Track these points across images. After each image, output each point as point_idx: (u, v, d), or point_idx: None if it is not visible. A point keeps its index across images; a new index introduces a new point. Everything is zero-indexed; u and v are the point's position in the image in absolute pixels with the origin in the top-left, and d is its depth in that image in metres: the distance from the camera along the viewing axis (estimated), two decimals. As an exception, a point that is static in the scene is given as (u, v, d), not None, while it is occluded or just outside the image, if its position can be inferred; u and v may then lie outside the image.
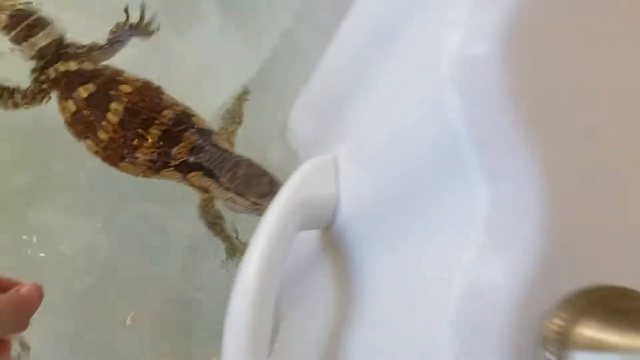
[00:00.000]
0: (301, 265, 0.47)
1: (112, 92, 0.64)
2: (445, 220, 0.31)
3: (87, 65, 0.67)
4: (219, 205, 0.67)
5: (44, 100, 0.69)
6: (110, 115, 0.64)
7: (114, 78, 0.66)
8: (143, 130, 0.63)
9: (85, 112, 0.64)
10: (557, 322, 0.26)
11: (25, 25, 0.68)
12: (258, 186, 0.60)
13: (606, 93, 0.29)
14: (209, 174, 0.64)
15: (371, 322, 0.37)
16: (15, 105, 0.69)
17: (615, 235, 0.29)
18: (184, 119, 0.65)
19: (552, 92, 0.28)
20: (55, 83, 0.67)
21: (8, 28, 0.68)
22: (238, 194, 0.61)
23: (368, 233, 0.39)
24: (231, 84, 0.75)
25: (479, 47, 0.29)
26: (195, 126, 0.65)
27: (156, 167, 0.65)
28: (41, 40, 0.68)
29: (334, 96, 0.49)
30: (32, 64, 0.68)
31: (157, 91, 0.67)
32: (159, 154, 0.64)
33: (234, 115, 0.72)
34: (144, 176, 0.67)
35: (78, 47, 0.69)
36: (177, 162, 0.64)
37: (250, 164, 0.62)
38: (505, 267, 0.27)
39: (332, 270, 0.42)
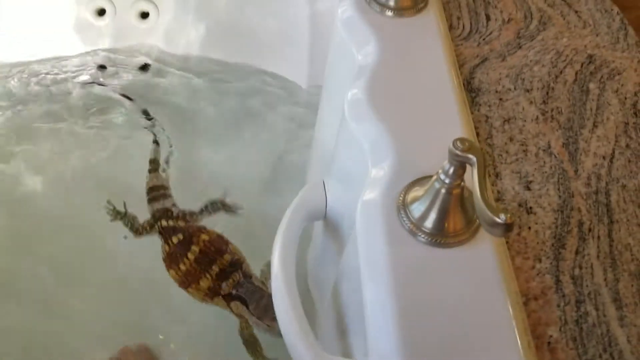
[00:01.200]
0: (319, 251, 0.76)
1: (194, 239, 0.97)
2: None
3: (181, 223, 1.02)
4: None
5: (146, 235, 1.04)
6: (189, 254, 0.95)
7: (200, 230, 0.99)
8: (208, 267, 0.94)
9: (175, 251, 0.97)
10: (401, 197, 0.54)
11: (153, 195, 1.06)
12: (272, 312, 0.79)
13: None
14: (244, 302, 0.90)
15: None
16: (137, 232, 1.05)
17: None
18: (236, 263, 0.94)
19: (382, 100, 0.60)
20: (159, 231, 1.02)
21: (147, 192, 1.07)
22: (258, 318, 0.89)
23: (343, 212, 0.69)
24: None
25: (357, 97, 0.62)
26: (242, 269, 0.94)
27: (211, 294, 0.94)
28: (160, 205, 1.05)
29: (323, 157, 0.82)
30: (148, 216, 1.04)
31: (225, 242, 0.98)
32: (214, 285, 0.93)
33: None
34: (202, 301, 0.94)
35: (179, 213, 1.04)
36: (225, 293, 0.93)
37: (270, 296, 0.87)
38: (379, 185, 0.56)
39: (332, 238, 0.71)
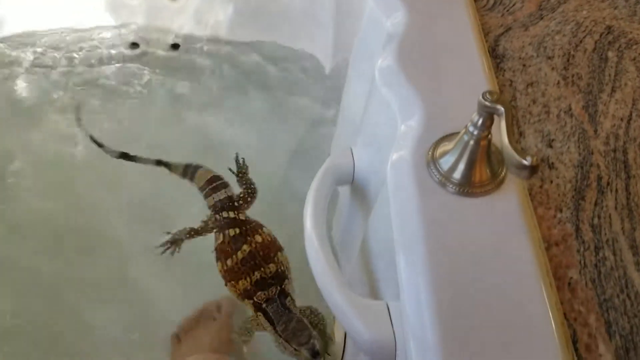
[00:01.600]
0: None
1: (248, 238, 0.91)
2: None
3: (242, 216, 0.98)
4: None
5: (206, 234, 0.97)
6: (239, 253, 0.90)
7: (256, 229, 0.93)
8: (251, 271, 0.88)
9: (227, 245, 0.92)
10: (430, 152, 0.58)
11: (213, 186, 1.00)
12: (300, 337, 0.83)
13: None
14: (270, 320, 0.87)
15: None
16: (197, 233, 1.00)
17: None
18: (279, 277, 0.89)
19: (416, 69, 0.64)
20: (218, 223, 0.96)
21: (202, 188, 1.02)
22: (285, 340, 0.84)
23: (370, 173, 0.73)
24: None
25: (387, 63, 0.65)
26: (282, 286, 0.89)
27: (244, 295, 0.91)
28: (222, 194, 0.99)
29: (351, 124, 0.86)
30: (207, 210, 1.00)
31: (277, 248, 0.92)
32: (250, 289, 0.88)
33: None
34: (237, 298, 0.91)
35: (238, 200, 1.00)
36: (255, 301, 0.88)
37: (299, 320, 0.85)
38: (409, 142, 0.60)
39: (359, 201, 0.75)
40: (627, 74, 0.69)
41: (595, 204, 0.58)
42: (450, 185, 0.56)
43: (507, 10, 0.75)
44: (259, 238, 0.92)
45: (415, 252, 0.53)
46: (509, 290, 0.51)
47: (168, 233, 0.98)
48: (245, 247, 0.90)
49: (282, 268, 0.90)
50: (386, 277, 0.62)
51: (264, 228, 0.95)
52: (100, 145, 1.05)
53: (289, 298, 0.89)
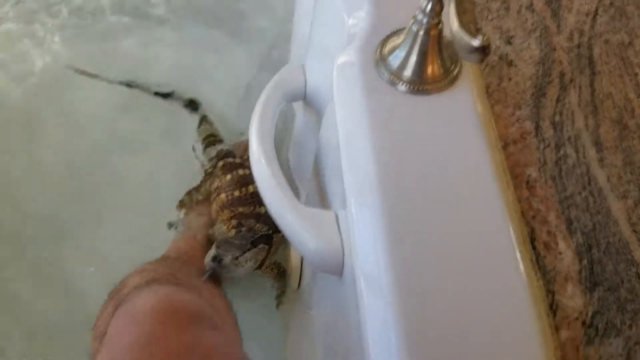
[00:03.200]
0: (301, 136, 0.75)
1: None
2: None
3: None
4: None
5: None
6: (251, 187, 0.92)
7: None
8: (258, 204, 0.90)
9: (236, 181, 0.94)
10: (377, 50, 0.53)
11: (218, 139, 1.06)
12: (228, 248, 0.81)
13: None
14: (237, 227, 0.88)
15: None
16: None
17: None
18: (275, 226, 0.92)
19: None
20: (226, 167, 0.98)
21: (206, 138, 1.07)
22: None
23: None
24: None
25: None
26: (274, 232, 0.88)
27: (239, 217, 0.91)
28: (221, 146, 1.04)
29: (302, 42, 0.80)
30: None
31: None
32: (247, 214, 0.90)
33: None
34: (223, 222, 0.91)
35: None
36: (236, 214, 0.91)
37: (246, 245, 0.83)
38: (355, 42, 0.55)
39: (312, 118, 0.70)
40: (593, -31, 0.64)
41: (557, 101, 0.54)
42: (401, 84, 0.51)
43: None
44: None
45: (362, 156, 0.49)
46: (462, 190, 0.47)
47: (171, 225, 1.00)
48: (254, 186, 0.88)
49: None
50: (334, 186, 0.58)
51: None
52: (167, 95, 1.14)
53: (268, 245, 0.86)
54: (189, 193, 1.01)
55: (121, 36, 1.21)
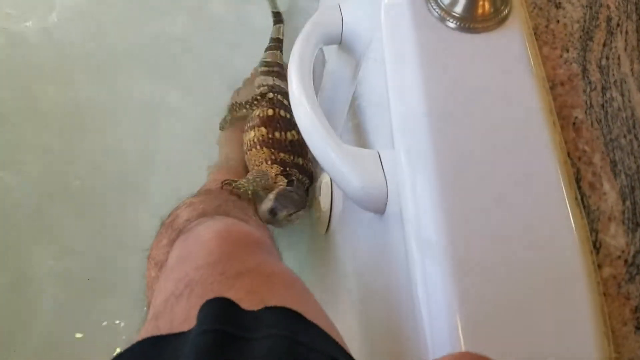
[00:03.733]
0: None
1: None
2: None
3: None
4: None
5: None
6: (292, 132, 0.89)
7: None
8: (296, 154, 0.87)
9: (278, 120, 0.90)
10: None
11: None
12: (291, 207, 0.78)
13: None
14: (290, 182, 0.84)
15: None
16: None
17: None
18: (311, 177, 0.89)
19: None
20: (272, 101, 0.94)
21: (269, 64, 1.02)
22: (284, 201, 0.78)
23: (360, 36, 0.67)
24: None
25: None
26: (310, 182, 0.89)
27: (275, 161, 0.87)
28: (280, 82, 0.99)
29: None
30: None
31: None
32: (289, 162, 0.86)
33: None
34: (257, 164, 0.88)
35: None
36: (286, 170, 0.86)
37: (303, 197, 0.83)
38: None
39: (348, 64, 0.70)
40: None
41: (604, 45, 0.53)
42: (451, 20, 0.50)
43: None
44: None
45: (411, 94, 0.49)
46: (510, 129, 0.47)
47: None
48: (295, 132, 0.89)
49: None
50: (377, 126, 0.58)
51: None
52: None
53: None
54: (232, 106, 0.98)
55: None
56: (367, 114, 0.62)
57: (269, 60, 1.03)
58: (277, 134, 0.89)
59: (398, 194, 0.49)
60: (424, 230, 0.43)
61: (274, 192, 0.78)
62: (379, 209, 0.52)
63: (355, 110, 0.66)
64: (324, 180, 0.83)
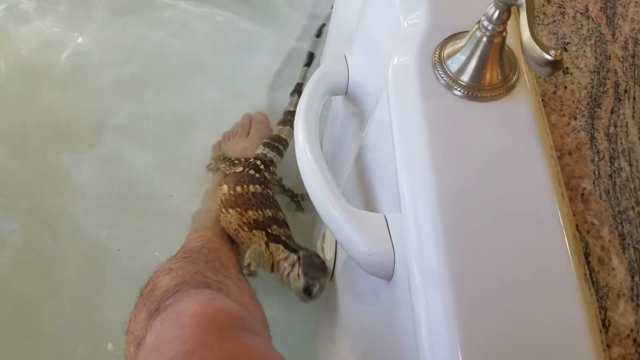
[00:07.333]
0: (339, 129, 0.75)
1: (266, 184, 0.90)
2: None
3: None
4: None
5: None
6: (251, 187, 0.87)
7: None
8: (263, 206, 0.85)
9: (241, 177, 0.88)
10: (437, 52, 0.52)
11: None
12: (315, 272, 0.77)
13: None
14: (291, 249, 0.81)
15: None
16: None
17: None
18: (286, 224, 0.87)
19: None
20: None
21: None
22: (304, 273, 0.76)
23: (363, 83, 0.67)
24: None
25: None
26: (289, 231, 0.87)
27: (252, 227, 0.84)
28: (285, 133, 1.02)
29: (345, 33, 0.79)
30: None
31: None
32: (263, 221, 0.84)
33: None
34: (232, 229, 0.85)
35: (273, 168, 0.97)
36: (269, 232, 0.84)
37: (317, 255, 0.80)
38: (412, 41, 0.54)
39: (354, 115, 0.70)
40: (648, -26, 0.63)
41: (612, 112, 0.53)
42: (458, 88, 0.50)
43: None
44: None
45: (418, 160, 0.49)
46: (518, 200, 0.47)
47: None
48: (259, 187, 0.88)
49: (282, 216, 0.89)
50: (384, 189, 0.58)
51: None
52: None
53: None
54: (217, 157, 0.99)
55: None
56: (373, 173, 0.62)
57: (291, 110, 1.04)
58: (238, 189, 0.87)
59: (405, 262, 0.48)
60: (432, 306, 0.43)
61: (297, 266, 0.74)
62: (387, 274, 0.51)
63: (361, 167, 0.65)
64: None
